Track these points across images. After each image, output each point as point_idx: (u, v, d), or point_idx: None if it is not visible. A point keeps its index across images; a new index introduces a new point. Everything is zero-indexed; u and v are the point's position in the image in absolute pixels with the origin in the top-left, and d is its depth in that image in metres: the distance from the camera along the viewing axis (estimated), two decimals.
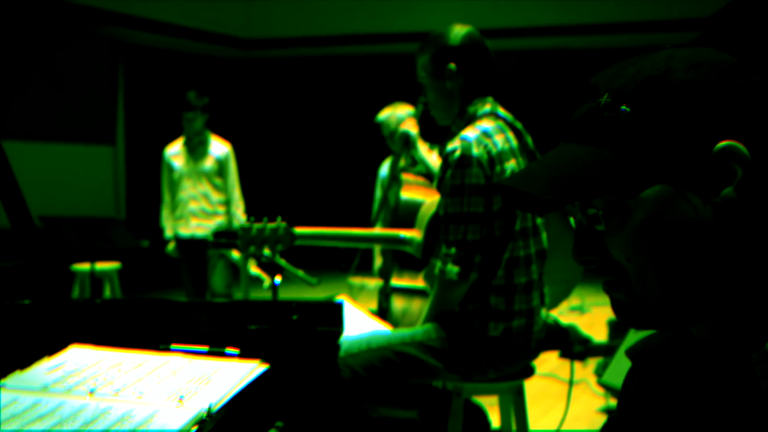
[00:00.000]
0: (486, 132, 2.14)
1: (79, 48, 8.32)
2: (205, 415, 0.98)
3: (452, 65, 2.22)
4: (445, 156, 2.15)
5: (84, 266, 5.97)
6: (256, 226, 2.49)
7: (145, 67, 9.34)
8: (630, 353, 0.86)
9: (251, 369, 1.18)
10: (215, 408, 1.01)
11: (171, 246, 5.08)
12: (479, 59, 2.24)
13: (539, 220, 2.26)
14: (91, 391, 1.05)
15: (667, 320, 0.75)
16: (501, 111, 2.26)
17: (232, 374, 1.15)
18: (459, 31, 2.25)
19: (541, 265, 2.26)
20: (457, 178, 2.09)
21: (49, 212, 6.21)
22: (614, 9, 8.22)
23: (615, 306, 0.78)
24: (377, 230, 2.99)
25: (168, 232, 5.10)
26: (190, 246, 5.01)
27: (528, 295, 2.19)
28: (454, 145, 2.13)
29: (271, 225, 2.50)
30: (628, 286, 0.75)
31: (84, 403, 1.00)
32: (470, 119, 2.22)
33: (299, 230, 2.51)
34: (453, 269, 2.09)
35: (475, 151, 2.09)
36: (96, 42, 8.51)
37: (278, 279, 2.80)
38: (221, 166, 4.98)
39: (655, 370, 0.82)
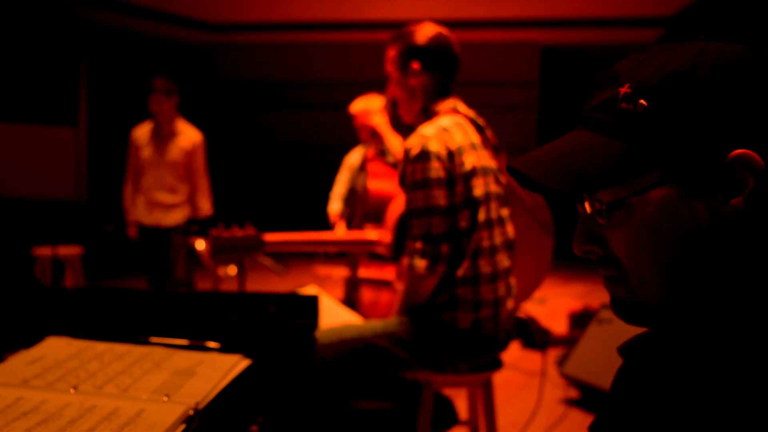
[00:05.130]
0: (444, 128, 2.19)
1: (41, 27, 8.12)
2: (192, 411, 0.97)
3: (417, 64, 2.26)
4: (405, 152, 2.18)
5: (45, 250, 5.85)
6: (227, 234, 2.49)
7: (109, 48, 9.15)
8: (622, 350, 0.85)
9: (235, 364, 1.17)
10: (202, 404, 1.01)
11: (133, 230, 4.99)
12: (443, 61, 2.28)
13: (504, 212, 2.29)
14: (74, 387, 1.04)
15: (664, 322, 0.75)
16: (462, 108, 2.30)
17: (215, 368, 1.14)
18: (428, 30, 2.29)
19: (508, 256, 2.29)
20: (418, 173, 2.13)
21: (8, 194, 6.07)
22: (576, 4, 8.28)
23: (613, 302, 0.77)
24: (344, 234, 3.02)
25: (130, 215, 4.99)
26: (153, 235, 4.93)
27: (494, 284, 2.22)
28: (413, 141, 2.17)
29: (242, 233, 2.51)
30: (627, 283, 0.75)
31: (68, 400, 0.99)
32: (431, 116, 2.27)
33: (269, 237, 2.52)
34: (421, 263, 2.12)
35: (434, 146, 2.13)
36: (59, 21, 8.31)
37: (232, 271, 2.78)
38: (189, 157, 4.90)
39: (649, 368, 0.81)
